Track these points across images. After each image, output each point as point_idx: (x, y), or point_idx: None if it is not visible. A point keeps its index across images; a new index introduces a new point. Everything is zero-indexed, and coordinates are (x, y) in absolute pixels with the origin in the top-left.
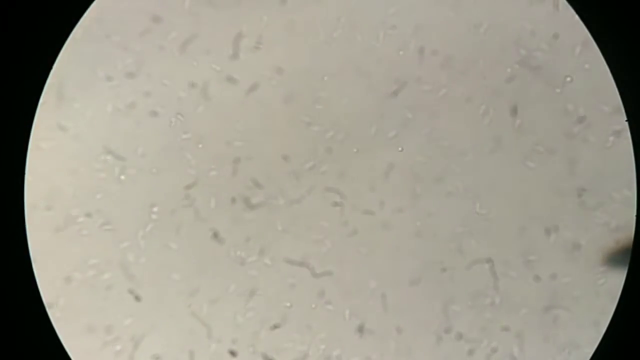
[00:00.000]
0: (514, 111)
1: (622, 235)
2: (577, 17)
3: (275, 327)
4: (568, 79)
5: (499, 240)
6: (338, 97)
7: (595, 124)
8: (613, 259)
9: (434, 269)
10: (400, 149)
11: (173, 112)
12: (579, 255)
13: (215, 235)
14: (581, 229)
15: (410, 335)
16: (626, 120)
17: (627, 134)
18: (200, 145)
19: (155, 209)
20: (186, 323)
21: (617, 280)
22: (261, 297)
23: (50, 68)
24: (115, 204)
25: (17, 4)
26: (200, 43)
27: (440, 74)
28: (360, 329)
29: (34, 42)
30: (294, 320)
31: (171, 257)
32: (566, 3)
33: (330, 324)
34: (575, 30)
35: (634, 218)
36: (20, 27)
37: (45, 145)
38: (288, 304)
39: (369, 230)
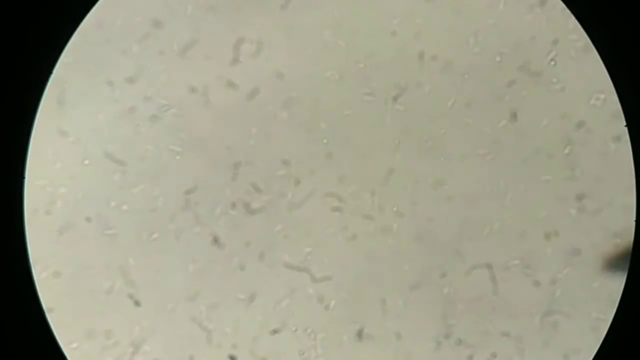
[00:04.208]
0: (514, 116)
1: (622, 241)
2: (576, 22)
3: (275, 332)
4: (568, 83)
5: (498, 246)
6: (338, 102)
7: (595, 129)
8: (613, 264)
9: (434, 274)
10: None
11: (173, 116)
12: (578, 261)
13: (215, 240)
14: (581, 234)
15: (409, 341)
16: (625, 126)
17: (627, 138)
18: (200, 150)
19: (155, 214)
20: (186, 328)
21: (616, 285)
22: (261, 301)
23: (50, 73)
24: (115, 209)
25: (18, 8)
26: (200, 48)
27: (440, 78)
28: (360, 334)
29: (34, 47)
30: (294, 325)
31: (171, 261)
32: (565, 8)
33: (330, 329)
34: (574, 36)
35: (634, 223)
36: (20, 32)
37: (46, 150)
38: (288, 309)
39: (368, 235)
